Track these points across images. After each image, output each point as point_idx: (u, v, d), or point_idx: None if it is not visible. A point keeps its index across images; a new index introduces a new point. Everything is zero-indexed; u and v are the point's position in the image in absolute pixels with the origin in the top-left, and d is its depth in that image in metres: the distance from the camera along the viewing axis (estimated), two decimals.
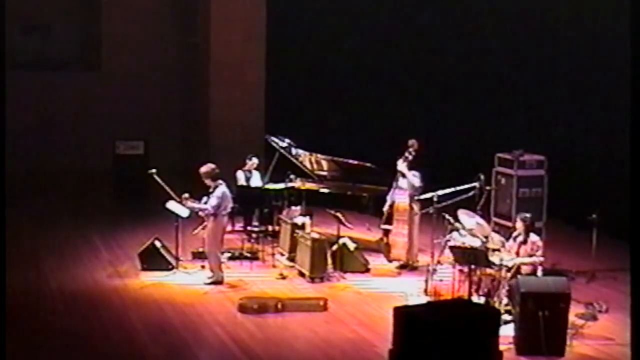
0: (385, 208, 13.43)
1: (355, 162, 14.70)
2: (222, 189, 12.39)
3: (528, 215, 11.23)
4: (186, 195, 12.53)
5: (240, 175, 14.81)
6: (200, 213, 12.58)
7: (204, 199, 12.43)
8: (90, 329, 10.55)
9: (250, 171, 14.95)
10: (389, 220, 13.44)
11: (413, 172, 13.23)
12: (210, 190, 12.36)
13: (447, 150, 17.84)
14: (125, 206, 17.52)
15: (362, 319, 11.13)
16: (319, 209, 14.23)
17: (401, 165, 13.24)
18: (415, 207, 13.21)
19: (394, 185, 13.40)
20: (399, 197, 13.31)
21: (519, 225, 11.18)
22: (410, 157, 13.25)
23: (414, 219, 13.24)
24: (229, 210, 12.58)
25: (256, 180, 14.95)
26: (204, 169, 12.44)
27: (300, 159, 15.25)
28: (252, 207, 14.71)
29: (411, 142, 13.29)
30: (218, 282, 12.40)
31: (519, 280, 10.02)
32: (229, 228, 13.39)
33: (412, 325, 7.52)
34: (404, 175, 13.23)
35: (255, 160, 15.02)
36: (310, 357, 9.89)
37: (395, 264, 13.38)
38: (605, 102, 15.55)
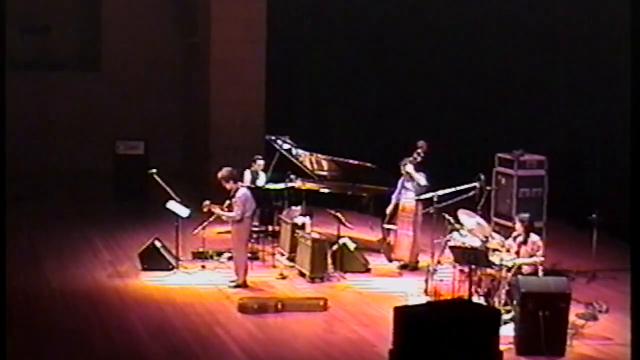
0: (390, 208, 13.39)
1: (355, 162, 14.67)
2: (242, 190, 12.25)
3: (527, 215, 11.23)
4: (207, 202, 12.31)
5: (247, 176, 14.74)
6: (224, 218, 12.51)
7: (227, 202, 12.33)
8: (90, 329, 10.54)
9: (257, 172, 14.89)
10: (391, 220, 13.42)
11: (420, 172, 13.20)
12: (231, 194, 12.22)
13: (447, 150, 17.82)
14: (125, 206, 17.52)
15: (362, 319, 11.11)
16: (319, 209, 14.21)
17: (408, 167, 13.21)
18: (419, 208, 13.19)
19: (399, 185, 13.36)
20: (405, 197, 13.29)
21: (518, 226, 11.19)
22: (418, 159, 13.23)
23: (418, 220, 13.23)
24: (253, 211, 12.40)
25: (262, 182, 14.89)
26: (222, 173, 12.23)
27: (301, 159, 15.23)
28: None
29: (420, 143, 13.23)
30: (241, 285, 12.20)
31: (519, 280, 10.01)
32: (228, 228, 13.35)
33: (412, 325, 7.51)
34: (410, 176, 13.20)
35: (261, 162, 14.93)
36: (310, 357, 9.87)
37: (396, 264, 13.37)
38: (605, 102, 15.55)
